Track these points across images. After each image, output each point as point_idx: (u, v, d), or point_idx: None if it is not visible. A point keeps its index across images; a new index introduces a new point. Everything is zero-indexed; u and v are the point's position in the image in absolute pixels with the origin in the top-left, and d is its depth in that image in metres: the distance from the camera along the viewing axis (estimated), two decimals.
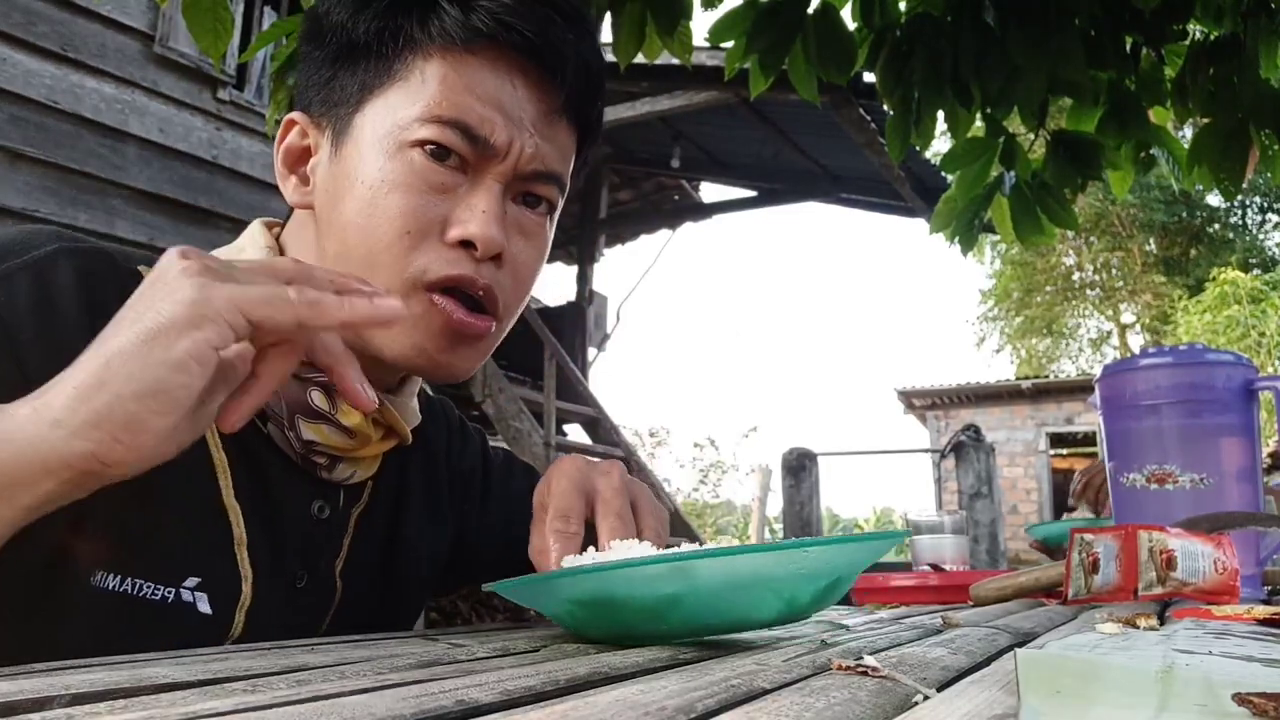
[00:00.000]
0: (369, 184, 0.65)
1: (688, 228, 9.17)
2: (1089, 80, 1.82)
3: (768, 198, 8.38)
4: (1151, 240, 18.02)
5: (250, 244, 0.73)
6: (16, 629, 0.58)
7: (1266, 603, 0.91)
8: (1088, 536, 0.88)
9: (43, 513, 0.48)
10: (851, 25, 1.85)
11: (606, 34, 1.94)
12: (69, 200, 4.24)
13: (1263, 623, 0.67)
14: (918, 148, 1.98)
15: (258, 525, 0.67)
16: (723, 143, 7.57)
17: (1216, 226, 18.17)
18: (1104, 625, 0.60)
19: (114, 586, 0.59)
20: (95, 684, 0.32)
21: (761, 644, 0.50)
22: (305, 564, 0.71)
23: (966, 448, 5.36)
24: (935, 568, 1.34)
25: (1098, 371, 1.25)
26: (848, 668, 0.38)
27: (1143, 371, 1.17)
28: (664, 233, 9.07)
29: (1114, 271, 18.43)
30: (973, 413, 12.22)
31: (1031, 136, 1.95)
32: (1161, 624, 0.64)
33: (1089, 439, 11.68)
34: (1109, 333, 19.07)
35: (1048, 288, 18.72)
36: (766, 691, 0.33)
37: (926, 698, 0.33)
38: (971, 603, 0.93)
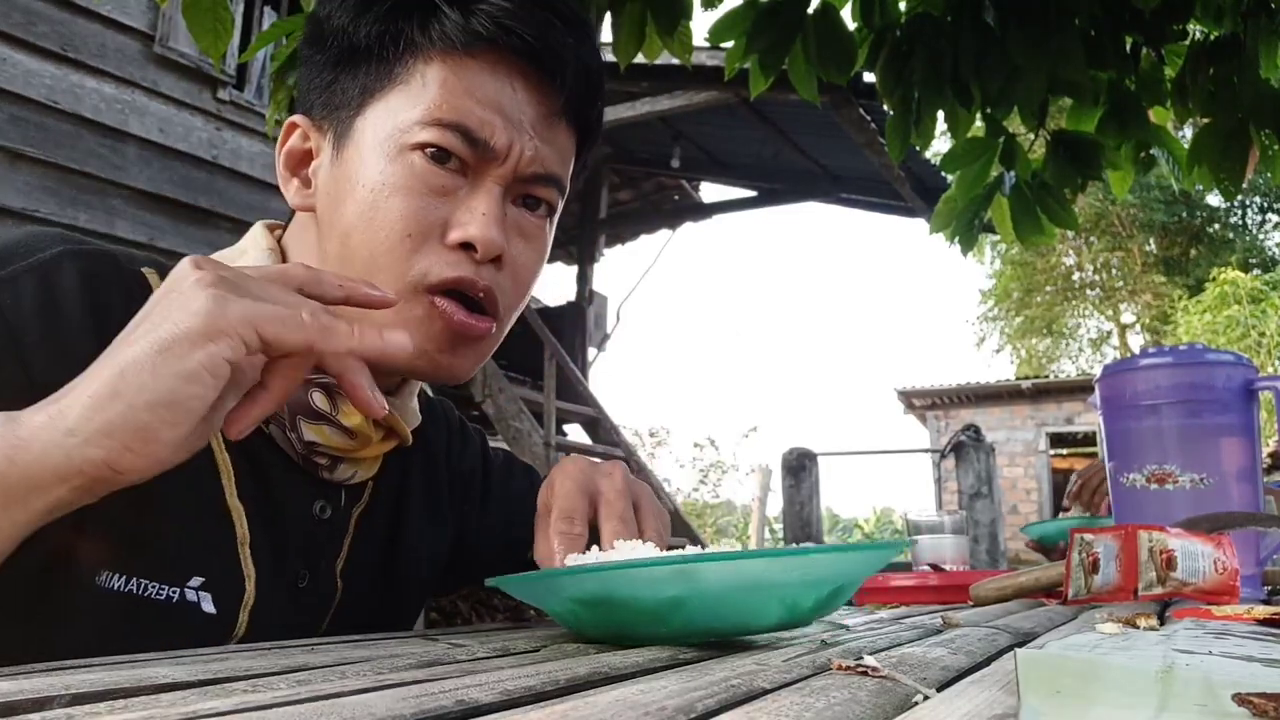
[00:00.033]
0: (370, 187, 0.66)
1: (688, 228, 9.18)
2: (1089, 80, 1.82)
3: (768, 198, 8.38)
4: (1151, 240, 18.02)
5: (252, 246, 0.73)
6: (22, 629, 0.59)
7: (1266, 603, 0.91)
8: (1088, 536, 0.88)
9: (54, 517, 0.49)
10: (851, 25, 1.85)
11: (606, 34, 1.94)
12: (69, 200, 4.24)
13: (1263, 623, 0.67)
14: (918, 148, 1.98)
15: (260, 525, 0.67)
16: (723, 143, 7.57)
17: (1216, 226, 18.17)
18: (1104, 625, 0.60)
19: (119, 586, 0.60)
20: (95, 684, 0.32)
21: (761, 644, 0.50)
22: (307, 564, 0.71)
23: (966, 448, 5.36)
24: (935, 568, 1.33)
25: (1098, 371, 1.25)
26: (848, 668, 0.38)
27: (1143, 371, 1.17)
28: (664, 233, 9.07)
29: (1114, 271, 18.43)
30: (973, 413, 12.22)
31: (1031, 136, 1.95)
32: (1161, 624, 0.64)
33: (1089, 439, 11.68)
34: (1109, 333, 19.07)
35: (1048, 288, 18.72)
36: (766, 691, 0.33)
37: (926, 698, 0.33)
38: (971, 603, 0.93)
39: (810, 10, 1.78)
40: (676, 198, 9.19)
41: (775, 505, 11.32)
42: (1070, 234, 15.21)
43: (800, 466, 5.54)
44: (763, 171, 8.10)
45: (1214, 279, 12.85)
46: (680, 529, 6.38)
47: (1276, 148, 1.86)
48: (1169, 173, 2.01)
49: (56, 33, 4.24)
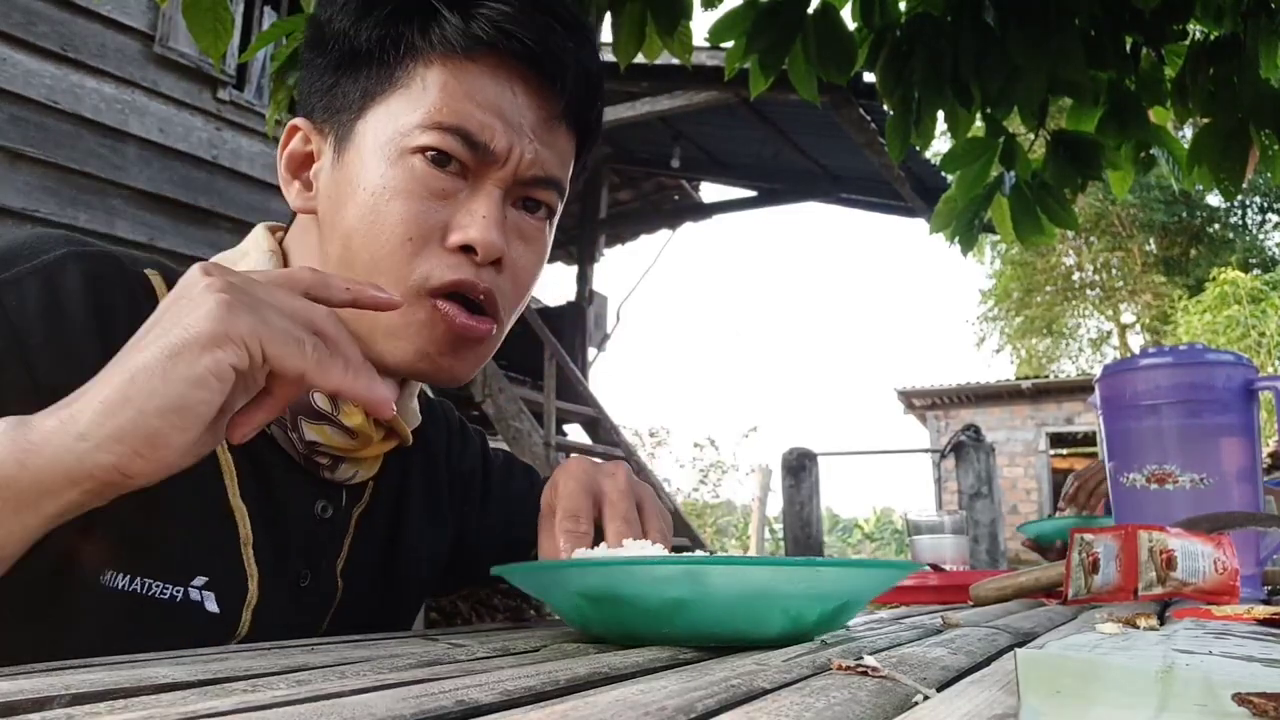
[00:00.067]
0: (371, 190, 0.66)
1: (688, 228, 9.18)
2: (1089, 80, 1.82)
3: (768, 198, 8.38)
4: (1151, 240, 18.01)
5: (254, 248, 0.73)
6: (30, 630, 0.59)
7: (1266, 603, 0.91)
8: (1088, 536, 0.88)
9: (64, 520, 0.50)
10: (851, 25, 1.85)
11: (606, 34, 1.94)
12: (69, 200, 4.24)
13: (1263, 623, 0.67)
14: (918, 148, 1.98)
15: (263, 525, 0.68)
16: (723, 143, 7.57)
17: (1216, 226, 18.17)
18: (1104, 625, 0.60)
19: (123, 586, 0.60)
20: (95, 684, 0.32)
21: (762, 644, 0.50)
22: (308, 563, 0.72)
23: (966, 448, 5.36)
24: (935, 568, 1.33)
25: (1098, 371, 1.25)
26: (848, 668, 0.38)
27: (1143, 371, 1.17)
28: (664, 233, 9.07)
29: (1114, 271, 18.43)
30: (973, 413, 12.22)
31: (1031, 136, 1.95)
32: (1161, 624, 0.64)
33: (1089, 439, 11.68)
34: (1109, 333, 19.07)
35: (1048, 288, 18.72)
36: (766, 691, 0.33)
37: (926, 698, 0.33)
38: (971, 603, 0.93)
39: (810, 10, 1.78)
40: (676, 198, 9.19)
41: (775, 505, 11.33)
42: (1070, 234, 15.20)
43: (800, 466, 5.54)
44: (763, 171, 8.10)
45: (1214, 279, 12.84)
46: (680, 529, 6.38)
47: (1276, 148, 1.86)
48: (1169, 173, 2.01)
49: (56, 33, 4.24)
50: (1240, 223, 18.52)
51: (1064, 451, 12.49)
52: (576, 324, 8.02)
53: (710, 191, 13.86)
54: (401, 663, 0.41)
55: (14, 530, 0.48)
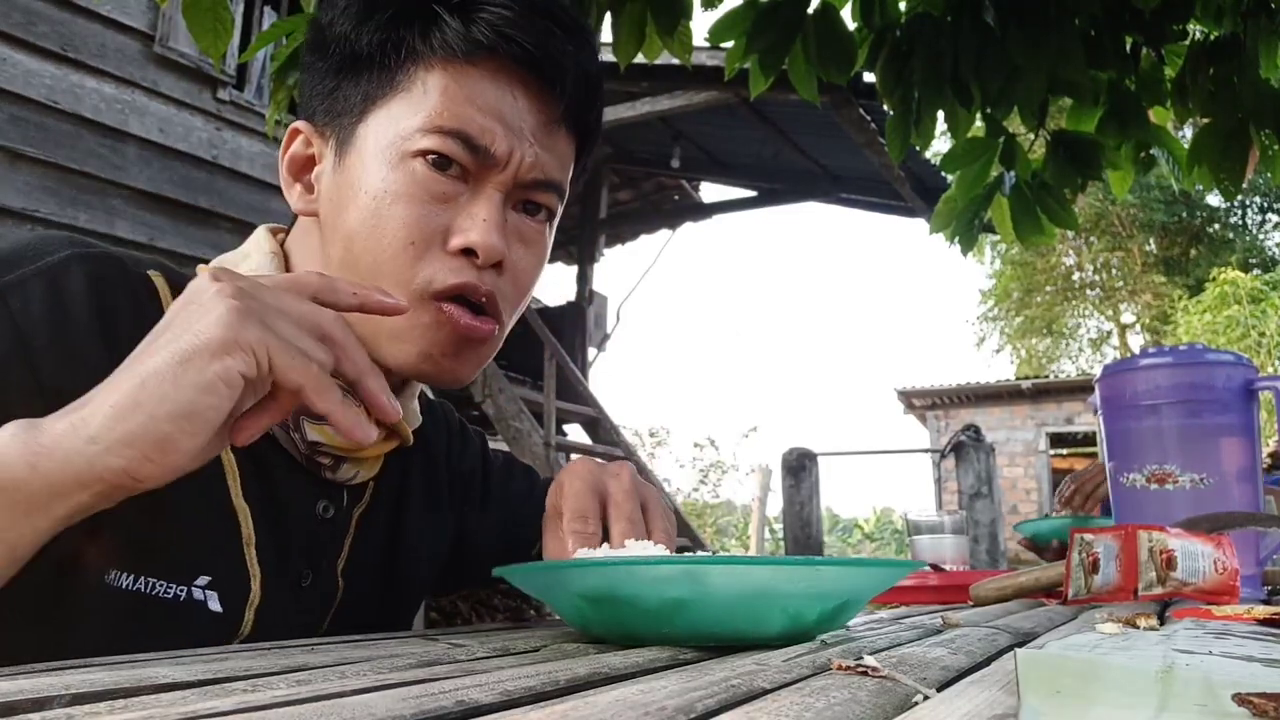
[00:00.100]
0: (373, 194, 0.66)
1: (688, 228, 9.17)
2: (1089, 80, 1.82)
3: (768, 198, 8.38)
4: (1151, 240, 18.01)
5: (255, 250, 0.74)
6: (36, 630, 0.59)
7: (1266, 603, 0.91)
8: (1088, 536, 0.88)
9: (72, 522, 0.50)
10: (851, 25, 1.84)
11: (606, 34, 1.94)
12: (69, 200, 4.24)
13: (1263, 623, 0.67)
14: (918, 148, 1.98)
15: (265, 525, 0.68)
16: (723, 143, 7.57)
17: (1216, 226, 18.17)
18: (1104, 625, 0.60)
19: (128, 585, 0.61)
20: (95, 684, 0.32)
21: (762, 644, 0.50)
22: (310, 563, 0.72)
23: (966, 448, 5.36)
24: (935, 568, 1.33)
25: (1098, 371, 1.25)
26: (848, 668, 0.38)
27: (1143, 371, 1.17)
28: (664, 233, 9.07)
29: (1114, 271, 18.42)
30: (973, 413, 12.22)
31: (1031, 136, 1.95)
32: (1161, 624, 0.64)
33: (1089, 439, 11.67)
34: (1109, 333, 19.07)
35: (1048, 288, 18.71)
36: (766, 691, 0.33)
37: (926, 698, 0.33)
38: (971, 603, 0.93)
39: (810, 10, 1.78)
40: (676, 198, 9.19)
41: (775, 505, 11.33)
42: (1070, 234, 15.20)
43: (800, 466, 5.54)
44: (763, 171, 8.09)
45: (1214, 279, 12.84)
46: (680, 529, 6.38)
47: (1276, 148, 1.86)
48: (1169, 173, 2.01)
49: (56, 33, 4.24)
50: (1240, 223, 18.52)
51: (1064, 451, 12.49)
52: (576, 324, 8.02)
53: (710, 191, 13.88)
54: (401, 663, 0.41)
55: (25, 532, 0.49)
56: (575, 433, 7.27)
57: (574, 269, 8.45)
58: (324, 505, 0.72)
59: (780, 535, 10.84)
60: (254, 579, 0.67)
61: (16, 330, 0.58)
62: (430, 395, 0.90)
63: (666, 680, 0.35)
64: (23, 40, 4.10)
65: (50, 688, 0.31)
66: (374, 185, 0.66)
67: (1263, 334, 11.67)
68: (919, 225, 8.92)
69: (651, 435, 15.07)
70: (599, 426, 6.93)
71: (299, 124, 0.73)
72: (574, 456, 6.55)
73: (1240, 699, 0.30)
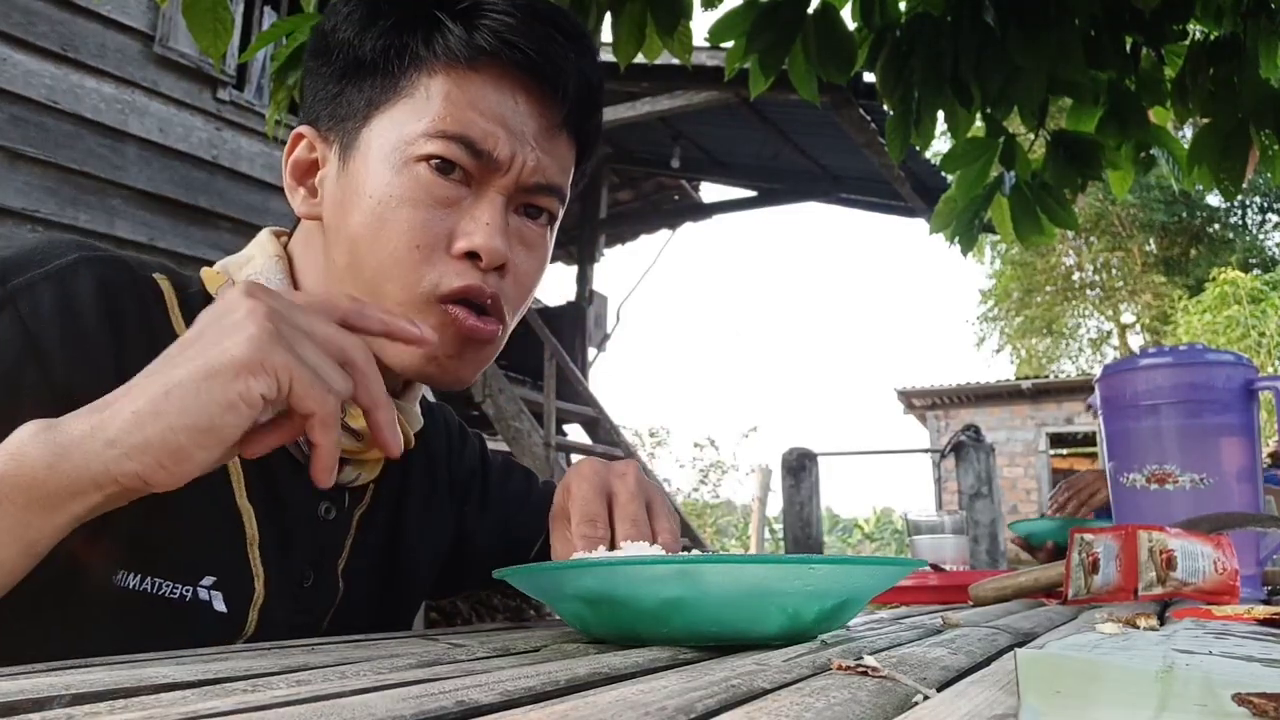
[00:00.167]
0: (376, 198, 0.67)
1: (688, 228, 9.17)
2: (1089, 80, 1.82)
3: (768, 198, 8.38)
4: (1151, 240, 18.01)
5: (259, 253, 0.74)
6: (44, 630, 0.60)
7: (1266, 603, 0.91)
8: (1088, 536, 0.88)
9: (83, 521, 0.51)
10: (851, 25, 1.84)
11: (607, 34, 1.94)
12: (69, 200, 4.24)
13: (1263, 623, 0.67)
14: (918, 148, 1.98)
15: (269, 526, 0.69)
16: (723, 143, 7.57)
17: (1216, 226, 18.17)
18: (1104, 625, 0.60)
19: (135, 585, 0.61)
20: (95, 684, 0.32)
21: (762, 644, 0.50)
22: (312, 564, 0.72)
23: (966, 448, 5.36)
24: (935, 568, 1.33)
25: (1098, 371, 1.25)
26: (848, 668, 0.38)
27: (1143, 371, 1.17)
28: (664, 233, 9.07)
29: (1114, 271, 18.42)
30: (973, 413, 12.22)
31: (1031, 136, 1.95)
32: (1161, 624, 0.64)
33: (1089, 439, 11.68)
34: (1109, 333, 19.06)
35: (1048, 288, 18.71)
36: (766, 691, 0.33)
37: (926, 698, 0.33)
38: (971, 603, 0.93)
39: (810, 10, 1.78)
40: (676, 198, 9.19)
41: (775, 505, 11.32)
42: (1070, 234, 15.21)
43: (800, 466, 5.54)
44: (763, 171, 8.09)
45: (1214, 279, 12.84)
46: (681, 530, 6.38)
47: (1276, 148, 1.86)
48: (1169, 173, 2.01)
49: (56, 33, 4.24)
50: (1240, 223, 18.52)
51: (1064, 451, 12.49)
52: (576, 324, 8.02)
53: (710, 191, 13.87)
54: (401, 663, 0.41)
55: (44, 529, 0.50)
56: (575, 433, 7.27)
57: (574, 269, 8.45)
58: (325, 506, 0.73)
59: (780, 535, 10.85)
60: (258, 579, 0.67)
61: (27, 333, 0.59)
62: (430, 397, 0.90)
63: (666, 680, 0.35)
64: (22, 40, 4.10)
65: (50, 688, 0.31)
66: (378, 189, 0.67)
67: (1263, 334, 11.68)
68: (919, 225, 8.93)
69: (651, 435, 15.08)
70: (599, 426, 6.93)
71: (302, 129, 0.73)
72: (574, 457, 6.55)
73: (1240, 699, 0.30)
